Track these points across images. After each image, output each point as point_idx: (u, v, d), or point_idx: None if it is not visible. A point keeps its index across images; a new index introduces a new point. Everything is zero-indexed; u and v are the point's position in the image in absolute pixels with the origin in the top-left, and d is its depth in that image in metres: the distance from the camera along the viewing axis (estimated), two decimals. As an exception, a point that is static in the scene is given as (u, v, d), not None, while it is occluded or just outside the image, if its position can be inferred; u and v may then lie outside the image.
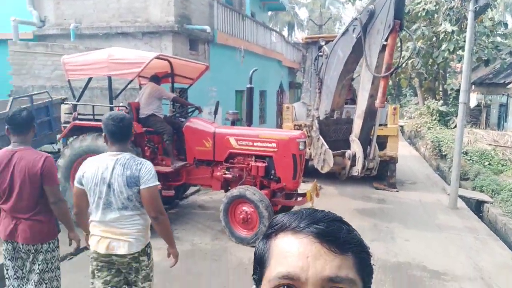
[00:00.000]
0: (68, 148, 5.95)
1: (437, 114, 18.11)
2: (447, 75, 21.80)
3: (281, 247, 0.71)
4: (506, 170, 10.80)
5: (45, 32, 10.01)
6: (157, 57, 5.83)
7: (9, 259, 3.13)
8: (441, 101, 19.05)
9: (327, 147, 6.57)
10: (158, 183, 2.81)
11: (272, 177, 5.88)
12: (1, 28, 9.98)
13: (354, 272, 0.70)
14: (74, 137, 6.06)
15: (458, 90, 18.74)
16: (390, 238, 6.02)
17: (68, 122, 6.03)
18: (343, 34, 6.38)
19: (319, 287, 0.67)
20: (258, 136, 5.91)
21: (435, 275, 4.78)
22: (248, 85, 6.79)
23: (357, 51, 6.10)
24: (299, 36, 45.70)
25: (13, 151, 3.07)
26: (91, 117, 6.01)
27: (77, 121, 5.87)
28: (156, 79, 6.39)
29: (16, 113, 3.14)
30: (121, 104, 6.49)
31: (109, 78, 5.72)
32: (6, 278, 3.18)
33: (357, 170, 6.31)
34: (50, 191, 3.06)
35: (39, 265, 3.07)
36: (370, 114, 5.97)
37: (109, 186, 2.74)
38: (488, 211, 8.07)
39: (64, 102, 6.72)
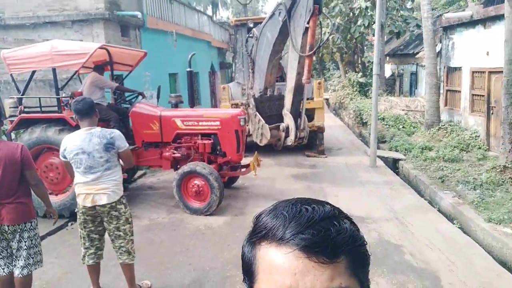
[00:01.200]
0: (18, 142, 6.09)
1: (357, 86, 19.65)
2: (365, 48, 23.55)
3: (266, 261, 0.66)
4: (417, 131, 12.41)
5: (-36, 24, 9.54)
6: (101, 47, 6.10)
7: None
8: (360, 73, 20.70)
9: (263, 122, 7.31)
10: (128, 145, 3.79)
11: (218, 152, 6.53)
12: None
13: (349, 276, 0.65)
14: (22, 130, 6.20)
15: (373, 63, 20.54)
16: (322, 196, 6.99)
17: (14, 116, 6.14)
18: (270, 17, 7.07)
19: None
20: (202, 116, 6.50)
21: (360, 220, 5.79)
22: (188, 69, 7.27)
23: (284, 33, 6.84)
24: (224, 15, 45.88)
25: None
26: (37, 109, 6.17)
27: (24, 114, 6.01)
28: (100, 69, 6.64)
29: None
30: (64, 95, 6.69)
31: (54, 70, 5.91)
32: None
33: (290, 140, 7.16)
34: (30, 175, 3.46)
35: (25, 242, 3.47)
36: (299, 90, 6.80)
37: (88, 154, 3.53)
38: (402, 167, 9.43)
39: (9, 97, 6.74)
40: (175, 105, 7.23)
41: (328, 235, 0.64)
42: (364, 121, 14.45)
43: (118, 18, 9.73)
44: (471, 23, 10.40)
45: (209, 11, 39.41)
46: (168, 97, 7.65)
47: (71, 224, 6.00)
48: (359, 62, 22.98)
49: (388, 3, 18.65)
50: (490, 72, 9.71)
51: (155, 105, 7.03)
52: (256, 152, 7.20)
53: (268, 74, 7.40)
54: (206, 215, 6.10)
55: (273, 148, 8.13)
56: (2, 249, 3.50)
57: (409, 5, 21.46)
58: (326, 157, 10.00)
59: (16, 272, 3.44)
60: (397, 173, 9.11)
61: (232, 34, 24.64)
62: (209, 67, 18.73)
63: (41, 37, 9.18)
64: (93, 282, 3.87)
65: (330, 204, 0.71)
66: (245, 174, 6.83)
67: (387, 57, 21.95)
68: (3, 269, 3.50)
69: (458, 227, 5.70)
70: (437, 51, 12.30)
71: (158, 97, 7.06)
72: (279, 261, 0.64)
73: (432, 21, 11.57)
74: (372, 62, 20.54)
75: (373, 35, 20.06)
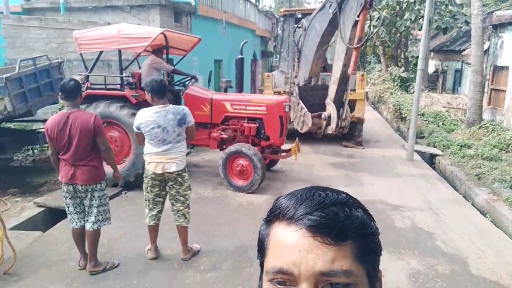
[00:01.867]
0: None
1: (399, 80, 19.51)
2: (409, 42, 23.20)
3: (277, 238, 0.70)
4: (457, 129, 12.36)
5: (34, 6, 10.37)
6: (162, 32, 6.61)
7: (69, 198, 4.06)
8: (403, 68, 20.47)
9: (306, 110, 7.65)
10: (194, 120, 4.36)
11: (262, 136, 6.96)
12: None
13: (353, 260, 0.67)
14: (86, 105, 6.83)
15: (418, 57, 20.26)
16: (359, 184, 7.31)
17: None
18: (320, 9, 7.37)
19: (312, 281, 0.66)
20: (250, 101, 6.93)
21: (394, 208, 6.10)
22: (239, 56, 7.69)
23: (333, 25, 7.13)
24: (267, 3, 45.97)
25: (68, 113, 3.93)
26: (102, 87, 6.79)
27: (90, 90, 6.65)
28: (158, 52, 7.17)
29: (65, 83, 4.00)
30: (126, 74, 7.27)
31: (119, 51, 6.49)
32: (68, 213, 4.13)
33: (331, 128, 7.48)
34: (101, 141, 4.00)
35: (96, 200, 4.02)
36: (344, 81, 7.10)
37: (163, 129, 4.08)
38: (439, 163, 9.53)
39: (77, 73, 7.41)
40: (225, 90, 7.69)
41: (335, 218, 0.67)
42: (403, 116, 14.45)
43: (172, 4, 10.27)
44: (523, 22, 10.25)
45: (253, 0, 39.79)
46: (214, 82, 8.11)
47: (125, 193, 6.63)
48: (402, 56, 22.68)
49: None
50: (538, 73, 9.59)
51: (206, 88, 7.51)
52: (297, 138, 7.57)
53: (314, 64, 7.72)
54: (248, 193, 6.56)
55: (313, 136, 8.46)
56: (76, 205, 4.07)
57: (458, 0, 20.91)
58: (363, 148, 10.23)
59: (88, 226, 4.02)
60: (434, 168, 9.23)
61: (274, 23, 24.88)
62: (251, 54, 19.12)
63: (101, 19, 9.87)
64: (152, 241, 4.41)
65: (347, 194, 0.74)
66: (286, 158, 7.23)
67: (432, 53, 21.56)
68: (77, 222, 4.08)
69: (491, 221, 5.89)
70: (484, 49, 12.13)
71: (209, 81, 7.53)
72: (286, 238, 0.68)
73: (482, 18, 11.42)
74: (416, 57, 20.38)
75: (419, 29, 19.83)
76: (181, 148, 4.23)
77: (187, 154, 9.44)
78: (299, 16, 9.33)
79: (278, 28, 26.81)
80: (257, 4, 20.91)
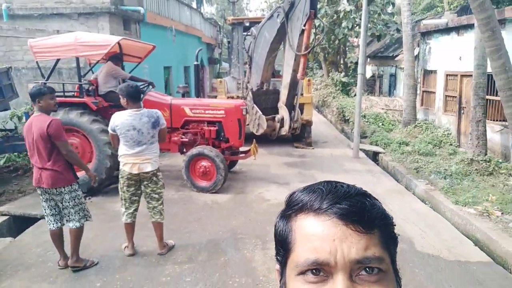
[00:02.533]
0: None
1: (340, 85, 20.67)
2: (347, 49, 24.60)
3: (304, 230, 0.69)
4: (395, 128, 13.46)
5: (-27, 12, 9.95)
6: (120, 40, 6.73)
7: (44, 201, 4.16)
8: (343, 73, 21.72)
9: (261, 113, 8.08)
10: (165, 123, 4.64)
11: (221, 138, 7.28)
12: None
13: (381, 248, 0.68)
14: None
15: (356, 63, 21.59)
16: (313, 180, 7.79)
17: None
18: (269, 18, 7.85)
19: (348, 269, 0.65)
20: (209, 105, 7.24)
21: (347, 199, 6.67)
22: (195, 63, 7.98)
23: (281, 34, 7.64)
24: (209, 11, 46.33)
25: (32, 117, 4.07)
26: (60, 94, 6.76)
27: (47, 98, 6.59)
28: (115, 59, 7.26)
29: (33, 88, 4.11)
30: (83, 81, 7.27)
31: (77, 59, 6.53)
32: (45, 215, 4.22)
33: (285, 130, 7.97)
34: (61, 145, 4.01)
35: (68, 202, 4.12)
36: (293, 85, 7.62)
37: (138, 130, 4.31)
38: (382, 159, 10.38)
39: (34, 82, 7.29)
40: (183, 95, 7.92)
41: (364, 207, 0.68)
42: (346, 118, 15.39)
43: (121, 12, 10.32)
44: (446, 30, 11.45)
45: (194, 6, 39.90)
46: (163, 89, 8.31)
47: (89, 198, 6.65)
48: (342, 62, 24.01)
49: (370, 7, 19.70)
50: (462, 76, 10.78)
51: (164, 94, 7.70)
52: (254, 140, 7.98)
53: (265, 70, 8.19)
54: (212, 193, 6.85)
55: (266, 139, 8.91)
56: (51, 207, 4.17)
57: (390, 9, 22.57)
58: (313, 148, 10.87)
59: (70, 225, 4.16)
60: (377, 164, 10.04)
61: (218, 30, 25.30)
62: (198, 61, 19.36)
63: (48, 27, 9.71)
64: (129, 238, 4.59)
65: (361, 188, 0.75)
66: (246, 158, 7.61)
67: (368, 59, 23.04)
68: (53, 224, 4.18)
69: (430, 207, 6.64)
70: (415, 54, 13.34)
71: (165, 87, 7.73)
72: (317, 229, 0.67)
73: (411, 26, 12.58)
74: (354, 63, 21.73)
75: (356, 36, 21.18)
76: (154, 150, 4.49)
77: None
78: (247, 24, 9.82)
79: (221, 35, 27.31)
80: (201, 12, 21.20)
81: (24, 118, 7.87)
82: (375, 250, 0.67)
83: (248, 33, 8.87)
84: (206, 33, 20.15)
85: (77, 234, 4.18)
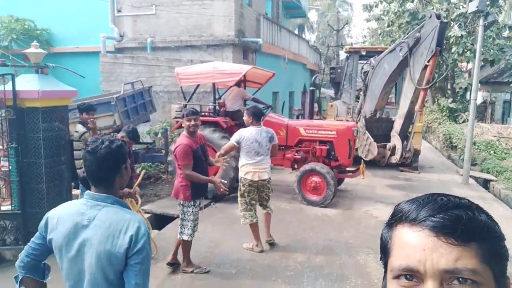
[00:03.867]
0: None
1: (447, 111, 19.98)
2: (455, 75, 23.66)
3: (400, 239, 0.74)
4: (509, 157, 12.76)
5: (124, 45, 12.07)
6: (250, 69, 7.79)
7: None
8: (450, 99, 20.95)
9: (372, 140, 8.47)
10: (277, 140, 5.60)
11: (331, 157, 7.89)
12: (86, 41, 12.04)
13: (478, 262, 0.69)
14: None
15: (465, 89, 20.72)
16: (420, 202, 8.00)
17: (178, 118, 8.06)
18: (391, 51, 8.34)
19: (438, 278, 0.69)
20: (322, 126, 7.94)
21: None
22: (311, 88, 8.78)
23: (401, 67, 8.08)
24: (310, 38, 47.80)
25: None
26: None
27: (187, 117, 7.88)
28: (238, 84, 8.35)
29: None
30: (212, 104, 8.49)
31: (213, 85, 7.74)
32: None
33: (395, 158, 8.29)
34: (181, 167, 4.55)
35: (180, 213, 4.71)
36: (410, 116, 7.98)
37: (259, 143, 5.23)
38: (493, 187, 10.04)
39: (177, 103, 8.74)
40: (297, 117, 8.75)
41: (458, 220, 0.70)
42: (454, 144, 14.93)
43: (243, 43, 11.64)
44: None
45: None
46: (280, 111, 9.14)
47: (214, 204, 7.70)
48: (449, 88, 23.12)
49: (484, 32, 18.93)
50: None
51: (281, 115, 8.60)
52: (362, 160, 8.43)
53: (380, 99, 8.66)
54: (321, 207, 7.45)
55: (373, 162, 9.23)
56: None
57: (505, 34, 21.36)
58: (419, 173, 10.89)
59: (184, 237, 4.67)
60: (488, 192, 9.73)
61: (320, 57, 26.12)
62: (302, 87, 20.33)
63: (182, 57, 11.37)
64: (257, 238, 5.40)
65: (470, 200, 0.76)
66: (355, 176, 8.11)
67: (479, 84, 21.87)
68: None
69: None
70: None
71: (282, 110, 8.63)
72: (411, 238, 0.72)
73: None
74: (463, 89, 20.84)
75: (467, 62, 20.40)
76: (268, 160, 5.47)
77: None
78: (363, 53, 10.41)
79: (322, 62, 28.09)
80: (307, 40, 22.24)
81: (163, 134, 9.37)
82: (467, 262, 0.68)
83: (367, 62, 9.42)
84: (310, 60, 21.12)
85: (180, 244, 4.75)
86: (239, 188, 5.43)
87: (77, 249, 1.79)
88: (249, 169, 5.28)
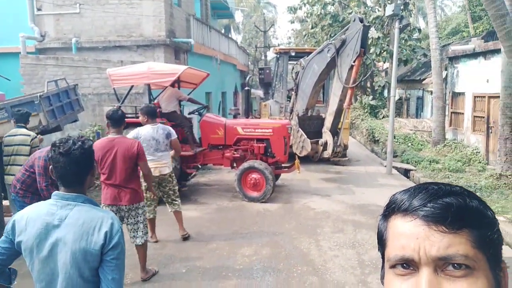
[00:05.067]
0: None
1: (368, 108, 21.40)
2: (374, 73, 25.39)
3: (395, 229, 0.76)
4: (424, 148, 14.05)
5: (46, 46, 11.35)
6: (186, 69, 7.78)
7: None
8: (371, 96, 22.46)
9: (305, 136, 8.90)
10: (176, 136, 5.72)
11: (268, 154, 8.15)
12: (4, 42, 11.14)
13: (470, 247, 0.70)
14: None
15: (383, 87, 22.35)
16: (351, 193, 8.59)
17: (112, 120, 7.80)
18: (319, 52, 8.80)
19: (432, 265, 0.70)
20: (258, 124, 8.17)
21: (385, 208, 7.36)
22: (246, 88, 8.97)
23: (329, 67, 8.59)
24: (235, 38, 48.34)
25: (113, 138, 4.34)
26: (133, 115, 7.83)
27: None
28: (173, 85, 8.29)
29: (114, 112, 4.51)
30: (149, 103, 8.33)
31: (148, 86, 7.61)
32: None
33: (328, 153, 8.79)
34: (143, 165, 4.43)
35: (140, 217, 4.50)
36: (339, 113, 8.51)
37: (156, 140, 5.41)
38: (413, 176, 11.01)
39: (110, 105, 8.42)
40: (234, 116, 8.89)
41: (449, 208, 0.71)
42: (376, 138, 16.07)
43: (174, 44, 11.53)
44: (474, 55, 12.17)
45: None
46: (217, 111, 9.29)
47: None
48: (369, 86, 24.78)
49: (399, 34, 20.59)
50: (490, 97, 11.41)
51: (219, 115, 8.69)
52: (296, 156, 8.80)
53: (311, 97, 9.13)
54: (262, 202, 7.67)
55: (305, 158, 9.68)
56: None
57: (416, 36, 23.39)
58: (348, 159, 11.60)
59: (137, 241, 4.46)
60: (409, 180, 10.67)
61: (249, 58, 26.54)
62: (233, 87, 20.55)
63: (110, 58, 10.98)
64: (152, 230, 5.61)
65: (461, 187, 0.77)
66: (290, 171, 8.45)
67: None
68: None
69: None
70: (442, 77, 14.02)
71: (219, 110, 8.73)
72: (404, 228, 0.74)
73: (439, 51, 13.34)
74: (381, 87, 22.45)
75: (383, 61, 22.02)
76: (168, 156, 5.64)
77: (193, 176, 10.50)
78: (293, 54, 10.84)
79: (250, 63, 28.56)
80: (236, 41, 22.50)
81: (95, 138, 8.97)
82: (459, 248, 0.70)
83: (297, 63, 9.84)
84: (240, 61, 21.41)
85: (146, 248, 4.57)
86: (142, 184, 5.29)
87: (49, 249, 1.76)
88: (150, 165, 5.02)
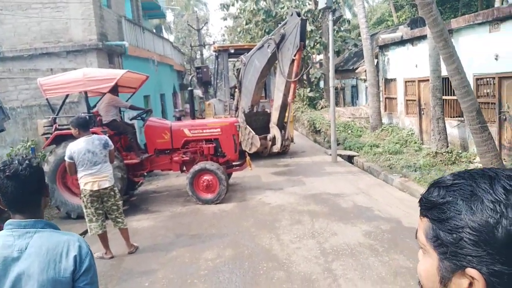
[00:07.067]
0: (52, 155, 7.21)
1: (307, 100, 21.95)
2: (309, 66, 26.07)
3: None
4: (364, 134, 14.66)
5: (-38, 57, 10.33)
6: (125, 74, 7.42)
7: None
8: (308, 89, 23.05)
9: (254, 133, 8.90)
10: (113, 145, 5.50)
11: (219, 154, 8.06)
12: None
13: (422, 234, 0.78)
14: (55, 145, 7.30)
15: (319, 78, 23.05)
16: (302, 184, 8.74)
17: (48, 134, 7.29)
18: (259, 48, 8.81)
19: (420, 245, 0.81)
20: (206, 125, 8.03)
21: (336, 195, 7.60)
22: (189, 88, 8.77)
23: (271, 62, 8.64)
24: (170, 39, 47.32)
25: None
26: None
27: (58, 131, 7.18)
28: (114, 91, 7.91)
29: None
30: (82, 114, 7.89)
31: (85, 93, 7.17)
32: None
33: (277, 147, 8.88)
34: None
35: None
36: (284, 107, 8.60)
37: (92, 153, 5.13)
38: (357, 162, 11.44)
39: (45, 117, 7.83)
40: (179, 118, 8.67)
41: (426, 195, 0.81)
42: (317, 129, 16.52)
43: (107, 47, 11.00)
44: (402, 42, 12.87)
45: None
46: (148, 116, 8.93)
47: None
48: (305, 78, 25.41)
49: (328, 26, 21.27)
50: (419, 81, 12.14)
51: (163, 119, 8.42)
52: (246, 153, 8.79)
53: (255, 94, 9.14)
54: (216, 204, 7.57)
55: (252, 154, 9.71)
56: None
57: (345, 27, 24.33)
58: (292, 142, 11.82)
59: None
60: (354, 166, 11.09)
61: (185, 56, 26.14)
62: (172, 88, 20.10)
63: (37, 66, 10.24)
64: (106, 247, 5.35)
65: (456, 177, 0.79)
66: (242, 169, 8.41)
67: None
68: None
69: (408, 194, 7.68)
70: (374, 65, 14.70)
71: (162, 112, 8.44)
72: None
73: (370, 41, 13.95)
74: (317, 78, 23.13)
75: (318, 53, 22.67)
76: (108, 167, 5.31)
77: (140, 184, 10.12)
78: (232, 51, 10.77)
79: (185, 62, 28.14)
80: (170, 41, 22.00)
81: (30, 153, 8.35)
82: (419, 232, 0.82)
83: (238, 60, 9.80)
84: (176, 61, 20.97)
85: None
86: (82, 200, 5.30)
87: (11, 285, 1.57)
88: (88, 179, 5.14)
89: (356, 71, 20.49)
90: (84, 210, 5.26)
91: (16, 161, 1.67)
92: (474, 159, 9.36)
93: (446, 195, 0.75)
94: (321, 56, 23.57)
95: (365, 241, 5.37)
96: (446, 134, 10.15)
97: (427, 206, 0.78)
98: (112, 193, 5.31)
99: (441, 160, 9.52)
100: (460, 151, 9.84)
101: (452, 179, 0.78)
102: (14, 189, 1.62)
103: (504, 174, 0.75)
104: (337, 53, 21.40)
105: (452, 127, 10.54)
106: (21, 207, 1.67)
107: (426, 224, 0.77)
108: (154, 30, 42.72)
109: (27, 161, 1.67)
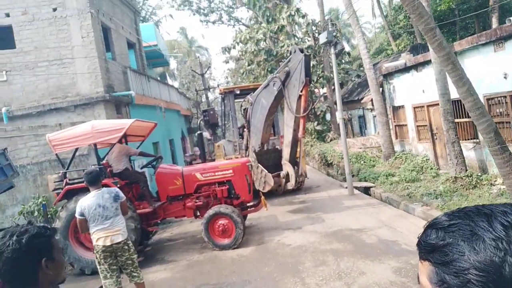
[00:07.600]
0: (63, 211, 7.07)
1: (315, 133, 21.86)
2: (313, 100, 26.20)
3: None
4: (377, 163, 14.40)
5: (-28, 119, 10.45)
6: (134, 123, 7.38)
7: None
8: (316, 122, 23.03)
9: (266, 171, 8.73)
10: (124, 197, 5.30)
11: (233, 196, 7.85)
12: None
13: (425, 278, 0.75)
14: (66, 200, 7.17)
15: (325, 111, 23.07)
16: (321, 220, 8.44)
17: (59, 189, 7.17)
18: (265, 87, 8.82)
19: None
20: (217, 167, 7.87)
21: (359, 231, 7.28)
22: (198, 132, 8.71)
23: (278, 99, 8.62)
24: (175, 85, 48.24)
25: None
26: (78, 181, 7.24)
27: (69, 186, 7.06)
28: (120, 140, 7.85)
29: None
30: (92, 166, 7.81)
31: (95, 145, 7.12)
32: None
33: (291, 184, 8.68)
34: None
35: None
36: (295, 143, 8.48)
37: (103, 207, 4.93)
38: (374, 192, 11.14)
39: (55, 172, 7.74)
40: (190, 162, 8.54)
41: (424, 238, 0.80)
42: (329, 162, 16.29)
43: (114, 98, 11.10)
44: (406, 69, 12.86)
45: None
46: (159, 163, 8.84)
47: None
48: (311, 113, 25.44)
49: (330, 59, 21.53)
50: (428, 106, 12.00)
51: (173, 164, 8.31)
52: (260, 192, 8.57)
53: (264, 132, 9.07)
54: (234, 249, 7.27)
55: (265, 193, 9.48)
56: None
57: (347, 59, 24.63)
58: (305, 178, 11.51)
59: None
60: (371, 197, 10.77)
61: (191, 100, 26.45)
62: (180, 133, 20.17)
63: (46, 122, 10.31)
64: None
65: (453, 216, 0.78)
66: (258, 210, 8.16)
67: (335, 105, 24.57)
68: None
69: (433, 224, 7.32)
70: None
71: (172, 158, 8.34)
72: None
73: (373, 70, 13.98)
74: (323, 111, 23.13)
75: (322, 87, 22.83)
76: (121, 221, 5.11)
77: (154, 233, 9.87)
78: (238, 92, 10.82)
79: (191, 106, 28.45)
80: (176, 87, 22.34)
81: (42, 211, 8.21)
82: (421, 276, 0.80)
83: (244, 100, 9.82)
84: (182, 106, 21.19)
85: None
86: (95, 256, 5.10)
87: None
88: (100, 234, 4.94)
89: (362, 101, 20.48)
90: (98, 267, 5.05)
91: (9, 235, 1.52)
92: (495, 181, 9.04)
93: (445, 236, 0.74)
94: (325, 90, 23.75)
95: (396, 279, 5.03)
96: (464, 158, 9.88)
97: (428, 250, 0.76)
98: (126, 247, 5.07)
99: (461, 185, 9.20)
100: (479, 174, 9.53)
101: (448, 220, 0.77)
102: (3, 265, 1.47)
103: (499, 210, 0.75)
104: (341, 85, 21.45)
105: (468, 150, 10.27)
106: (15, 285, 1.50)
107: (429, 268, 0.75)
108: (159, 78, 43.73)
109: (16, 236, 1.51)
